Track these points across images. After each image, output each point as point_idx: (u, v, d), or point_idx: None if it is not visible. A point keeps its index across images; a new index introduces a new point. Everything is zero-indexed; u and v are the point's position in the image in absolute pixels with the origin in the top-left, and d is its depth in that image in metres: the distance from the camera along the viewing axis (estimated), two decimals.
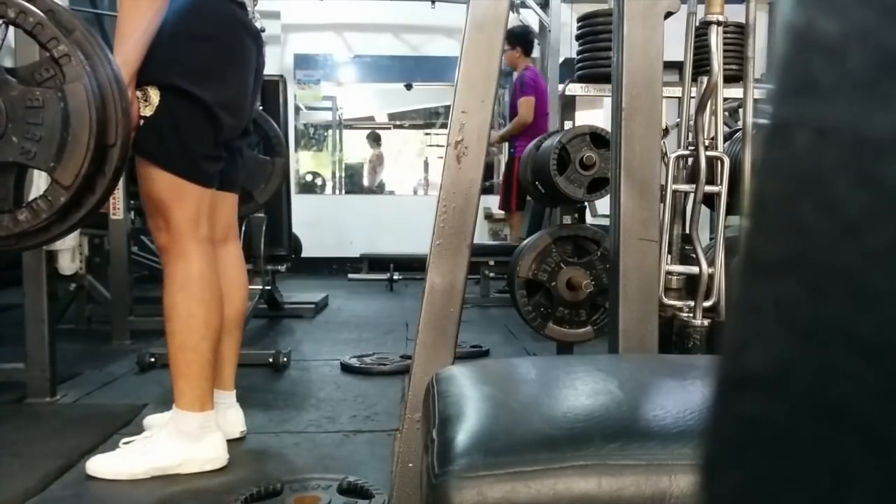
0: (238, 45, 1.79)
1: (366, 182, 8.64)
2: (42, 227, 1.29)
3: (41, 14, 1.19)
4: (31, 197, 2.29)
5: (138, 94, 1.66)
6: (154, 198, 1.71)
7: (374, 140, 8.58)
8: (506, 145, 5.34)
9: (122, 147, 1.31)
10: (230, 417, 1.95)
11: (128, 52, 1.58)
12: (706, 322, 1.61)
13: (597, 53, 2.66)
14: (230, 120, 1.77)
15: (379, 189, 8.50)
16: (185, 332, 1.70)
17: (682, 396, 0.73)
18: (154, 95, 1.65)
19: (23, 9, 1.19)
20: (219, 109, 1.72)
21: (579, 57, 2.77)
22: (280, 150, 2.53)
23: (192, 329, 1.70)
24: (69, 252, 2.74)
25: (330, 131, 8.29)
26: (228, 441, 1.83)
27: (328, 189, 8.24)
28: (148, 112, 1.65)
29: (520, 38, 5.02)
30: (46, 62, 1.21)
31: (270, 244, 3.95)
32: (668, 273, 1.71)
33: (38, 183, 2.45)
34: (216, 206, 1.84)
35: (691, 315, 1.63)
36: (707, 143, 1.74)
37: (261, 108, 2.31)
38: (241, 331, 2.02)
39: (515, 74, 5.11)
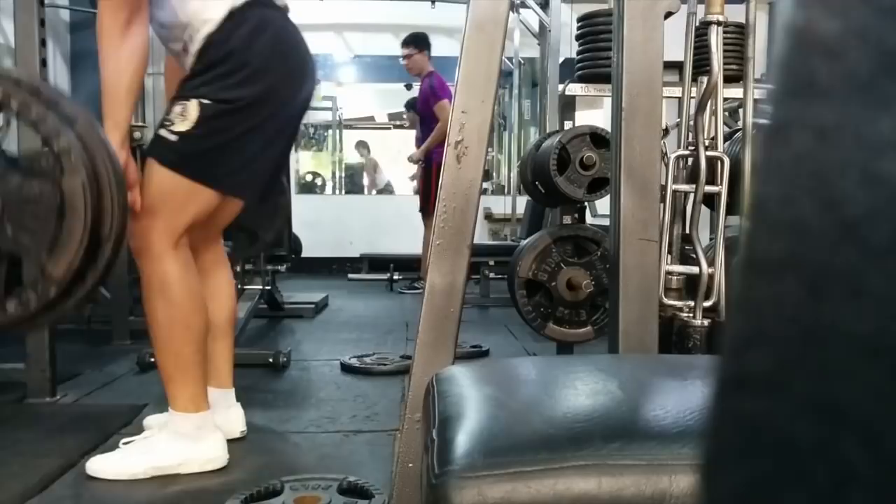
0: (298, 80, 1.78)
1: (366, 191, 8.62)
2: (28, 318, 1.29)
3: (43, 109, 1.20)
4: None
5: (176, 108, 1.64)
6: (157, 200, 1.67)
7: (364, 147, 8.52)
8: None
9: (115, 241, 1.30)
10: (230, 417, 1.95)
11: (116, 111, 1.56)
12: (706, 322, 1.61)
13: (597, 53, 2.67)
14: (270, 154, 1.78)
15: (387, 188, 8.46)
16: (168, 337, 1.69)
17: (682, 396, 0.73)
18: (193, 110, 1.63)
19: (26, 102, 1.20)
20: (259, 140, 1.72)
21: (579, 57, 2.77)
22: (283, 191, 2.57)
23: (175, 333, 1.68)
24: None
25: (330, 131, 8.29)
26: (228, 441, 1.83)
27: (328, 189, 8.24)
28: (183, 127, 1.63)
29: (426, 42, 5.00)
30: (47, 154, 1.22)
31: (271, 244, 3.95)
32: (668, 273, 1.71)
33: None
34: (221, 206, 1.82)
35: (691, 315, 1.63)
36: (707, 143, 1.74)
37: None
38: (233, 331, 2.02)
39: (424, 80, 5.07)
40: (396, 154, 8.91)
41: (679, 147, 1.84)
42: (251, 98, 1.67)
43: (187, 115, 1.64)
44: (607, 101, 2.28)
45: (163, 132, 1.66)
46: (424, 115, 5.10)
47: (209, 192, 1.70)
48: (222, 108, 1.65)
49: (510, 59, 6.29)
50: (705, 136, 1.76)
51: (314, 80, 1.88)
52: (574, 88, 2.80)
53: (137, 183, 1.62)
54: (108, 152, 1.28)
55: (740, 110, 2.50)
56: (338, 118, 8.17)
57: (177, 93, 1.68)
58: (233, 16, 1.65)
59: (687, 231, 1.82)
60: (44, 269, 1.23)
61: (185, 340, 1.70)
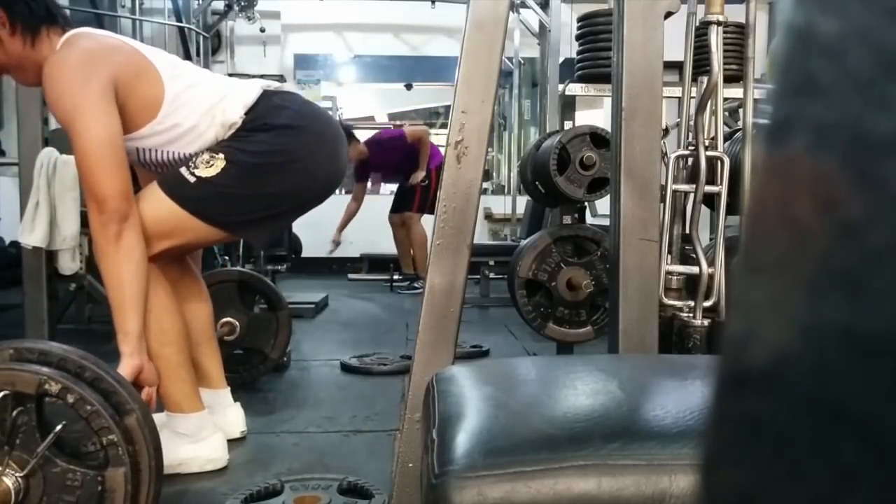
0: (327, 143, 1.84)
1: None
2: None
3: (96, 405, 1.23)
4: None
5: (204, 156, 1.68)
6: (144, 217, 1.67)
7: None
8: None
9: None
10: (230, 417, 1.95)
11: (124, 321, 1.58)
12: (706, 322, 1.61)
13: (597, 53, 2.67)
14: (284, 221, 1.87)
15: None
16: (147, 341, 1.69)
17: (682, 396, 0.73)
18: (220, 163, 1.67)
19: (81, 396, 1.23)
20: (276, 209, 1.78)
21: (579, 57, 2.77)
22: (280, 304, 2.63)
23: (151, 337, 1.68)
24: (69, 252, 2.73)
25: None
26: (228, 441, 1.83)
27: None
28: (204, 174, 1.67)
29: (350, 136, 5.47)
30: (94, 441, 1.25)
31: (270, 244, 3.94)
32: (668, 273, 1.71)
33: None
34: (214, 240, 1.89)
35: (691, 315, 1.63)
36: (707, 143, 1.74)
37: None
38: (214, 333, 2.03)
39: (369, 158, 5.71)
40: None
41: (679, 147, 1.84)
42: (279, 159, 1.73)
43: (214, 164, 1.67)
44: (607, 101, 2.28)
45: (183, 171, 1.69)
46: (391, 161, 5.62)
47: (202, 227, 1.72)
48: (248, 166, 1.70)
49: (510, 59, 6.29)
50: (705, 136, 1.75)
51: (345, 149, 1.94)
52: (574, 88, 2.81)
53: (155, 384, 1.64)
54: (156, 446, 1.31)
55: (740, 110, 2.50)
56: (338, 118, 8.17)
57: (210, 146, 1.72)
58: (258, 101, 1.73)
59: (687, 231, 1.82)
60: None
61: (162, 343, 1.71)
